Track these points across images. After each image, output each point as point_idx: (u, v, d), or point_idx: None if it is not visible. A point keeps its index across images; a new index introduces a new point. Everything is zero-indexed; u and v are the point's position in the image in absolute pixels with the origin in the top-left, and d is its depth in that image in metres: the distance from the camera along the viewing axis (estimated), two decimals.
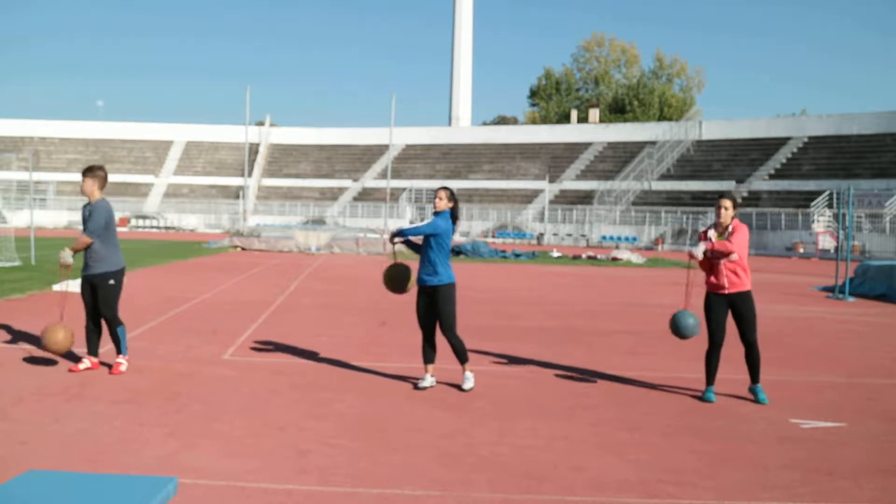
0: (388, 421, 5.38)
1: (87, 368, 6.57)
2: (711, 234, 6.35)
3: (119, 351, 6.63)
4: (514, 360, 7.81)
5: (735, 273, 6.24)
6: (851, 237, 20.19)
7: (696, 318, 6.35)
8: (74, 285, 13.05)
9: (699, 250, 6.19)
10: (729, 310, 6.31)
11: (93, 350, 6.67)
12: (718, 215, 6.33)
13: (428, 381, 6.41)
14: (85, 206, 6.62)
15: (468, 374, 6.44)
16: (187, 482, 3.96)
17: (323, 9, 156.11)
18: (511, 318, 11.15)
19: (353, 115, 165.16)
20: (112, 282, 6.56)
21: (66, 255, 6.51)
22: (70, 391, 5.88)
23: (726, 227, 6.31)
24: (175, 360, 7.16)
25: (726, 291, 6.26)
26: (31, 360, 6.98)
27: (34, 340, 7.82)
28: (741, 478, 4.38)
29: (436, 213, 6.41)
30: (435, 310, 6.40)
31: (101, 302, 6.55)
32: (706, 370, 6.40)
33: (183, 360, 7.22)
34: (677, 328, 6.39)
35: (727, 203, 6.29)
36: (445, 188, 6.53)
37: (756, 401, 6.24)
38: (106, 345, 7.09)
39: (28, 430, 4.84)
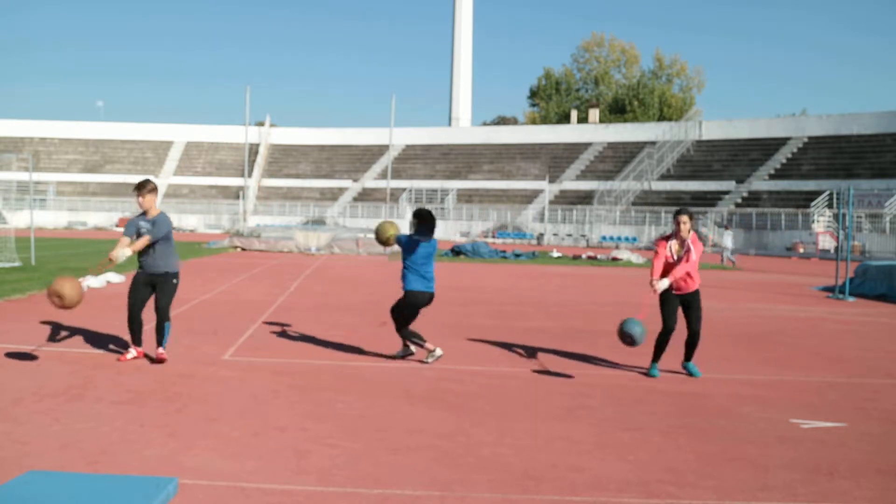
0: (388, 421, 5.38)
1: (134, 358, 7.09)
2: (673, 244, 7.06)
3: (160, 343, 7.08)
4: (514, 360, 7.81)
5: (685, 280, 7.05)
6: (851, 237, 20.17)
7: (643, 328, 6.84)
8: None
9: (662, 286, 6.91)
10: (681, 305, 7.17)
11: (138, 340, 7.16)
12: (679, 230, 7.02)
13: (438, 351, 7.47)
14: (140, 217, 7.21)
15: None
16: (188, 482, 3.96)
17: (323, 9, 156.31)
18: (511, 318, 11.15)
19: (353, 116, 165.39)
20: (175, 280, 7.22)
21: (122, 255, 6.82)
22: (70, 391, 5.89)
23: (685, 239, 7.02)
24: (175, 361, 7.16)
25: (679, 292, 7.12)
26: (31, 360, 6.98)
27: (35, 341, 7.82)
28: (741, 478, 4.38)
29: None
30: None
31: (161, 295, 7.08)
32: (655, 350, 7.15)
33: (183, 360, 7.22)
34: (629, 336, 6.84)
35: (685, 219, 7.03)
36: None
37: (689, 374, 7.11)
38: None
39: (28, 431, 4.84)
